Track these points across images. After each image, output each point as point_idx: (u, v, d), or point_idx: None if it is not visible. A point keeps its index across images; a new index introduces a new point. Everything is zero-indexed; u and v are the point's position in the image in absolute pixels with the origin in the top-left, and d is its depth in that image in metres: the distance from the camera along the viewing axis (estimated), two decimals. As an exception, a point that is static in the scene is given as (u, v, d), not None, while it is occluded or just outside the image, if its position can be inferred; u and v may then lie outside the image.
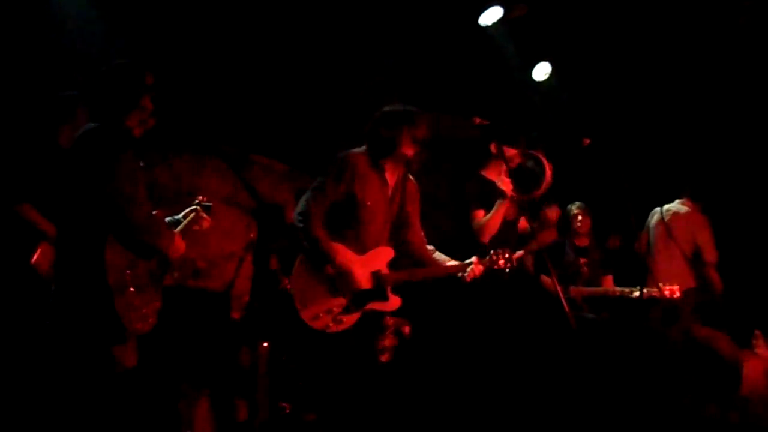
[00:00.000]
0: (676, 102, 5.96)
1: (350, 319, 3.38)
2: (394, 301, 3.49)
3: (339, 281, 3.35)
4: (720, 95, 5.81)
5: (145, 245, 2.72)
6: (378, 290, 3.42)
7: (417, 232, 3.69)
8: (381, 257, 3.49)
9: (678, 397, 2.54)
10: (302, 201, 3.46)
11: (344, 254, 3.38)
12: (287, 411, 4.38)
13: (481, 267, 3.53)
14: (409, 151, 3.44)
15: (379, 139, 3.45)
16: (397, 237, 3.65)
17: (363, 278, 3.40)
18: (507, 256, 3.55)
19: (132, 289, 2.65)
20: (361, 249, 3.45)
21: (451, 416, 4.10)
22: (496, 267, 3.54)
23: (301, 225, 3.38)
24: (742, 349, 2.68)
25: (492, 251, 3.58)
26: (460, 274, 3.54)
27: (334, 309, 3.35)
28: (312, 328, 3.35)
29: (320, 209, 3.39)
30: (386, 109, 3.51)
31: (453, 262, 3.63)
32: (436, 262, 3.67)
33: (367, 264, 3.44)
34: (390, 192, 3.56)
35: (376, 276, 3.43)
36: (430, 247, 3.75)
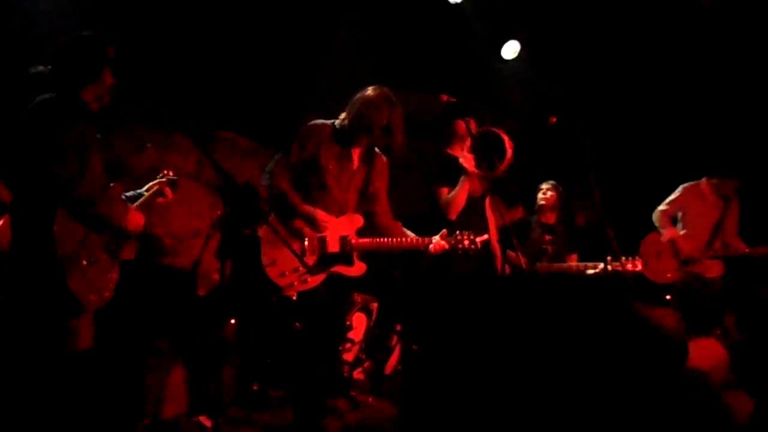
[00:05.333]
0: (644, 78, 6.01)
1: (315, 280, 3.47)
2: (359, 267, 3.60)
3: (310, 227, 3.44)
4: (688, 72, 5.87)
5: (95, 217, 2.66)
6: (344, 254, 3.53)
7: (384, 206, 3.77)
8: (350, 224, 3.60)
9: (627, 377, 2.57)
10: (270, 163, 3.58)
11: (312, 209, 3.48)
12: (255, 388, 4.40)
13: (445, 244, 3.61)
14: (373, 141, 3.57)
15: (351, 121, 3.53)
16: (365, 208, 3.72)
17: (331, 242, 3.51)
18: (471, 237, 3.63)
19: (85, 261, 2.61)
20: (327, 213, 3.54)
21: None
22: (459, 246, 3.62)
23: (267, 182, 3.51)
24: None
25: (458, 231, 3.65)
26: (422, 248, 3.64)
27: (300, 268, 3.42)
28: (278, 285, 3.47)
29: (286, 169, 3.52)
30: (364, 92, 3.55)
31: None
32: (402, 234, 3.75)
33: (336, 229, 3.54)
34: (354, 163, 3.63)
35: (343, 240, 3.54)
36: (399, 223, 3.82)
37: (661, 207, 5.43)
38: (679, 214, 5.43)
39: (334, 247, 3.52)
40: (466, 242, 3.62)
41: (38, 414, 2.64)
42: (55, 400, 2.62)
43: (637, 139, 6.17)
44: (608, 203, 5.55)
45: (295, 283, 3.43)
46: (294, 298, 4.49)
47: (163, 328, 4.07)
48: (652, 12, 5.56)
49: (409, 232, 3.78)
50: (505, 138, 4.06)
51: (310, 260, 3.46)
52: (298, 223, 3.49)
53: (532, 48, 5.98)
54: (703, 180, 5.37)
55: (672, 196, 5.43)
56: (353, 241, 3.56)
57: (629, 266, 4.61)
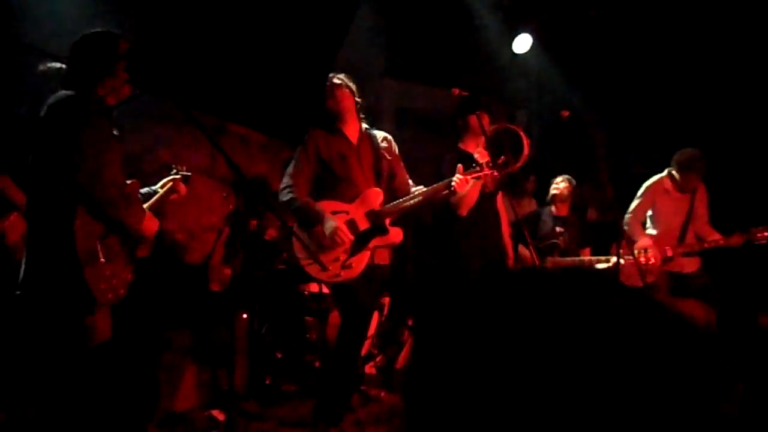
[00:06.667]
0: (657, 71, 5.97)
1: (359, 263, 3.50)
2: (396, 233, 3.64)
3: (330, 236, 3.46)
4: (702, 66, 5.82)
5: (114, 220, 2.68)
6: (376, 226, 3.57)
7: (402, 179, 3.82)
8: (371, 198, 3.63)
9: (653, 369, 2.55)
10: (285, 176, 3.66)
11: (335, 207, 3.56)
12: (268, 382, 4.42)
13: (468, 178, 3.61)
14: (334, 104, 3.64)
15: (321, 108, 3.68)
16: (387, 187, 3.76)
17: (359, 220, 3.56)
18: (490, 163, 3.62)
19: (103, 259, 2.62)
20: (350, 199, 3.61)
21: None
22: (483, 175, 3.64)
23: (287, 197, 3.57)
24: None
25: (475, 164, 3.66)
26: (446, 191, 3.63)
27: (341, 256, 3.46)
28: (323, 280, 3.57)
29: (301, 179, 3.60)
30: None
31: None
32: None
33: (360, 207, 3.60)
34: (353, 141, 3.71)
35: (371, 214, 3.59)
36: (419, 187, 3.83)
37: (629, 214, 5.14)
38: (649, 213, 5.20)
39: (363, 224, 3.56)
40: (487, 170, 3.62)
41: (54, 407, 2.66)
42: (70, 394, 2.64)
43: (648, 133, 6.13)
44: (620, 198, 5.56)
45: (340, 273, 3.45)
46: (307, 293, 4.54)
47: (176, 323, 4.09)
48: (665, 5, 5.52)
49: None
50: (523, 135, 4.03)
51: (347, 247, 3.48)
52: (320, 228, 3.51)
53: (544, 42, 5.95)
54: (665, 174, 5.13)
55: (636, 200, 5.16)
56: (380, 210, 3.60)
57: (642, 260, 4.59)
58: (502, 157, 3.78)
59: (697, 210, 5.05)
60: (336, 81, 3.66)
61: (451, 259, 4.11)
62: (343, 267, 3.43)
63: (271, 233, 4.74)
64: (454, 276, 4.02)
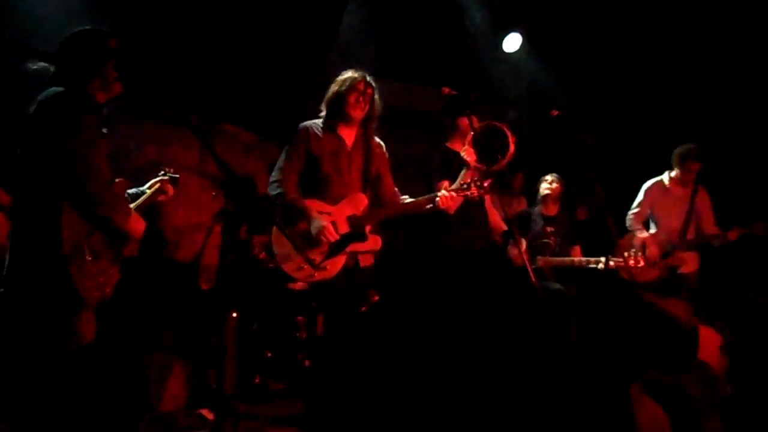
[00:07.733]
0: (646, 69, 5.99)
1: (333, 266, 3.50)
2: (374, 241, 3.63)
3: (317, 235, 3.46)
4: (692, 65, 5.84)
5: (100, 218, 2.65)
6: (355, 232, 3.56)
7: (388, 186, 3.82)
8: (355, 203, 3.63)
9: (638, 365, 2.59)
10: (274, 170, 3.66)
11: (319, 207, 3.56)
12: (257, 381, 4.41)
13: (453, 194, 3.58)
14: (355, 113, 3.61)
15: (328, 104, 3.66)
16: (372, 193, 3.76)
17: (340, 223, 3.55)
18: (478, 183, 3.59)
19: (89, 257, 2.60)
20: (334, 200, 3.61)
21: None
22: (469, 195, 3.59)
23: (276, 191, 3.59)
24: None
25: (461, 181, 3.66)
26: (430, 205, 3.62)
27: (317, 258, 3.45)
28: (296, 279, 3.59)
29: (291, 174, 3.61)
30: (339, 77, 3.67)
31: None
32: None
33: (343, 210, 3.59)
34: (347, 144, 3.69)
35: (352, 219, 3.58)
36: (404, 197, 3.85)
37: (631, 211, 5.35)
38: (649, 213, 5.34)
39: (343, 227, 3.55)
40: (474, 190, 3.58)
41: (40, 408, 2.65)
42: (57, 395, 2.63)
43: (638, 131, 6.15)
44: (610, 197, 5.57)
45: (314, 274, 3.46)
46: (296, 290, 4.53)
47: (165, 322, 4.08)
48: (658, 3, 5.53)
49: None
50: (508, 132, 4.05)
51: (323, 249, 3.47)
52: (304, 225, 3.52)
53: (533, 40, 5.96)
54: (665, 174, 5.28)
55: (637, 199, 5.35)
56: (361, 216, 3.59)
57: (631, 262, 4.61)
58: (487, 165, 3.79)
59: (701, 213, 5.18)
60: (372, 85, 3.62)
61: (438, 256, 4.12)
62: (317, 268, 3.43)
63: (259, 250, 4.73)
64: (441, 273, 4.04)
